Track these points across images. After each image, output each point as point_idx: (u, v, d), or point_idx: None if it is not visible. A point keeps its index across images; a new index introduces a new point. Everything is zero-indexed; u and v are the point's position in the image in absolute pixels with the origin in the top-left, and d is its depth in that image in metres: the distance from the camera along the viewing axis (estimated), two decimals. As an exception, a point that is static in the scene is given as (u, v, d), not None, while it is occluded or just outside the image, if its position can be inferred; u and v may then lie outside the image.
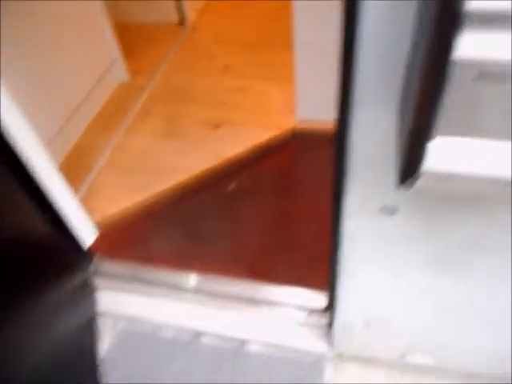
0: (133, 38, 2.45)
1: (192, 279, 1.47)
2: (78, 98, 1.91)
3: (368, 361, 1.27)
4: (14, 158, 1.17)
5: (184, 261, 1.52)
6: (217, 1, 2.80)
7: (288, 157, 1.85)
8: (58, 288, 1.29)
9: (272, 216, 1.63)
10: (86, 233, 1.53)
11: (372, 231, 0.77)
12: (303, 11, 1.56)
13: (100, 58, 2.05)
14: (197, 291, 1.45)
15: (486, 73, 0.43)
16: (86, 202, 1.61)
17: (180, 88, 2.16)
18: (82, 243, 1.49)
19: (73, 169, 1.77)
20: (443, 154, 0.51)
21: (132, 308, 1.46)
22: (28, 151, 1.21)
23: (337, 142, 0.69)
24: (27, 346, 1.05)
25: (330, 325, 1.30)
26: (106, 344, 1.40)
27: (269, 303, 1.40)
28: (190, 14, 2.59)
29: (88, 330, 1.41)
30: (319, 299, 1.36)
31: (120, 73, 2.19)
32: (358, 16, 0.52)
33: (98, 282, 1.52)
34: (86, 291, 1.48)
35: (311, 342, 1.32)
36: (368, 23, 0.52)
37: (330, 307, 1.29)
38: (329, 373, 1.27)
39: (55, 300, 1.27)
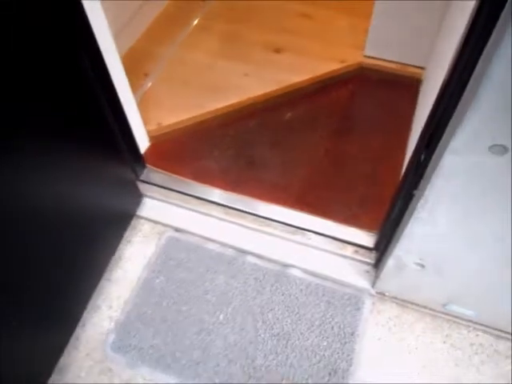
0: None
1: (240, 202, 1.48)
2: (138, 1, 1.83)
3: (408, 303, 1.29)
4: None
5: (232, 183, 1.52)
6: None
7: (350, 92, 1.78)
8: (101, 170, 1.31)
9: (327, 151, 1.60)
10: (139, 139, 1.52)
11: (473, 169, 0.74)
12: None
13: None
14: (244, 213, 1.46)
15: None
16: (140, 110, 1.59)
17: (242, 6, 2.05)
18: (137, 146, 1.48)
19: (128, 74, 1.73)
20: None
21: (178, 220, 1.48)
22: (101, 40, 1.17)
23: (463, 72, 0.63)
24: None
25: (377, 264, 1.31)
26: (150, 250, 1.43)
27: (315, 234, 1.40)
28: None
29: (122, 226, 1.45)
30: (367, 238, 1.36)
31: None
32: None
33: (146, 189, 1.53)
34: (133, 191, 1.50)
35: (354, 276, 1.34)
36: None
37: (380, 247, 1.29)
38: (367, 308, 1.30)
39: (100, 178, 1.29)
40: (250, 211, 1.45)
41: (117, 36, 1.67)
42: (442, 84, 0.73)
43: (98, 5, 1.17)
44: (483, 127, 0.67)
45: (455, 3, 1.35)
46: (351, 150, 1.61)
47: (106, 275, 1.37)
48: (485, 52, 0.63)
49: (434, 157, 0.80)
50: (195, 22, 1.98)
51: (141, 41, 1.89)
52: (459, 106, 0.67)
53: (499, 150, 0.70)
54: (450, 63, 0.71)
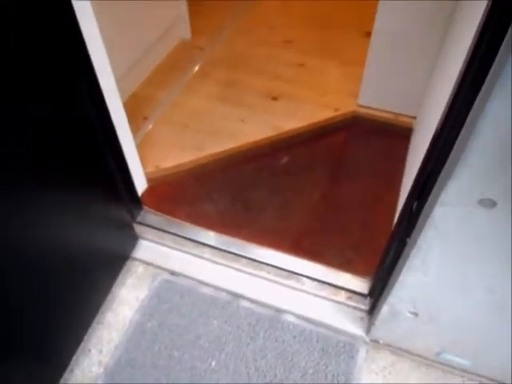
0: (199, -2, 2.43)
1: (235, 245, 1.48)
2: (143, 48, 1.91)
3: (403, 351, 1.28)
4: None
5: (228, 226, 1.53)
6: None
7: (345, 139, 1.84)
8: (98, 211, 1.32)
9: (321, 196, 1.63)
10: (137, 181, 1.55)
11: (462, 222, 0.76)
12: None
13: (169, 10, 2.03)
14: (239, 257, 1.47)
15: None
16: (139, 152, 1.62)
17: (240, 55, 2.14)
18: (134, 188, 1.50)
19: (128, 117, 1.77)
20: None
21: (173, 262, 1.48)
22: (104, 85, 1.22)
23: (453, 128, 0.67)
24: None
25: (371, 310, 1.31)
26: (143, 293, 1.43)
27: (309, 279, 1.40)
28: (258, -18, 2.55)
29: (115, 269, 1.44)
30: (361, 284, 1.36)
31: (184, 30, 2.18)
32: None
33: (142, 231, 1.54)
34: (129, 232, 1.50)
35: (349, 323, 1.33)
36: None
37: (374, 293, 1.30)
38: (361, 356, 1.29)
39: (95, 218, 1.30)
40: (245, 255, 1.45)
41: (120, 81, 1.73)
42: (432, 138, 0.77)
43: (103, 53, 1.22)
44: (472, 182, 0.70)
45: (445, 56, 1.42)
46: (346, 194, 1.64)
47: (97, 318, 1.36)
48: (472, 111, 0.66)
49: (425, 207, 0.83)
50: (195, 68, 2.05)
51: (142, 86, 1.95)
52: (449, 161, 0.71)
53: (488, 203, 0.72)
54: (440, 120, 0.74)
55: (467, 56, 0.66)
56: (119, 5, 1.66)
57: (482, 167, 0.69)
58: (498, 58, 0.58)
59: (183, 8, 2.11)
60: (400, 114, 1.86)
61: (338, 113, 1.86)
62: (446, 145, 0.69)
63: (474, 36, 0.66)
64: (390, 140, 1.83)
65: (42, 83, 0.96)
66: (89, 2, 1.09)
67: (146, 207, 1.56)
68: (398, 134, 1.83)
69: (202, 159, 1.68)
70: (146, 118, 1.81)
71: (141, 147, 1.67)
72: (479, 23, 0.62)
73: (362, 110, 1.88)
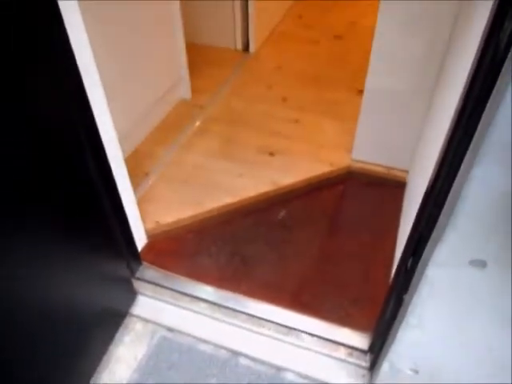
0: (199, 58, 2.55)
1: (233, 300, 1.49)
2: (145, 107, 1.99)
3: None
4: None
5: (227, 281, 1.54)
6: (281, 33, 2.91)
7: (341, 193, 1.88)
8: (97, 266, 1.33)
9: (319, 250, 1.65)
10: (137, 237, 1.57)
11: (455, 282, 0.78)
12: (381, 57, 1.61)
13: (171, 72, 2.14)
14: (238, 313, 1.46)
15: None
16: (139, 208, 1.65)
17: (238, 112, 2.23)
18: (134, 243, 1.53)
19: (129, 173, 1.83)
20: None
21: (171, 319, 1.47)
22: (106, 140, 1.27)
23: (440, 192, 0.71)
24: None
25: (372, 367, 1.30)
26: (141, 351, 1.41)
27: (309, 335, 1.40)
28: (255, 43, 2.69)
29: (113, 326, 1.43)
30: (362, 340, 1.36)
31: (184, 90, 2.28)
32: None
33: (141, 286, 1.54)
34: (127, 288, 1.51)
35: (349, 380, 1.31)
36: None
37: (374, 349, 1.29)
38: (363, 416, 1.26)
39: (93, 275, 1.30)
40: (244, 310, 1.45)
41: (122, 139, 1.80)
42: (422, 201, 0.81)
43: (107, 112, 1.28)
44: (462, 243, 0.73)
45: (434, 112, 1.49)
46: (343, 247, 1.66)
47: (94, 378, 1.33)
48: (459, 176, 0.71)
49: (420, 266, 0.85)
50: (195, 125, 2.13)
51: (144, 143, 2.02)
52: (438, 224, 0.74)
53: (479, 264, 0.75)
54: (428, 184, 0.79)
55: (452, 122, 0.71)
56: (122, 66, 1.75)
57: (472, 229, 0.72)
58: (480, 127, 0.63)
59: (184, 69, 2.22)
60: (393, 168, 1.92)
61: (333, 167, 1.92)
62: (435, 208, 0.72)
63: (458, 102, 0.71)
64: (384, 193, 1.87)
65: (44, 136, 1.01)
66: (94, 63, 1.16)
67: (145, 262, 1.58)
68: (392, 188, 1.88)
69: (201, 214, 1.71)
70: (146, 174, 1.86)
71: (141, 203, 1.71)
72: (463, 89, 0.68)
73: (357, 165, 1.94)
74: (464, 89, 0.66)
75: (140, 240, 1.61)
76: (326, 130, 2.13)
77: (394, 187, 1.87)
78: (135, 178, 1.82)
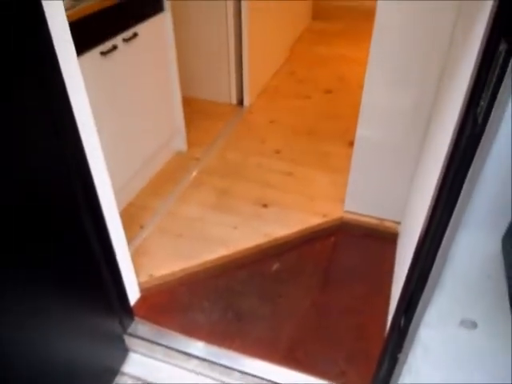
0: (195, 112, 2.64)
1: (226, 357, 1.46)
2: (141, 160, 2.03)
3: None
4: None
5: (220, 337, 1.52)
6: (274, 88, 3.03)
7: (333, 244, 1.89)
8: (89, 323, 1.30)
9: (312, 304, 1.64)
10: (130, 291, 1.56)
11: (449, 342, 0.79)
12: (370, 110, 1.68)
13: (167, 126, 2.21)
14: (231, 370, 1.43)
15: None
16: (133, 261, 1.65)
17: (233, 164, 2.28)
18: (127, 298, 1.51)
19: (124, 225, 1.84)
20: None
21: (163, 377, 1.44)
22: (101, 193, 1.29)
23: (428, 255, 0.73)
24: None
25: (369, 428, 1.26)
26: (131, 411, 1.37)
27: (304, 394, 1.36)
28: (249, 97, 2.80)
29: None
30: (358, 398, 1.33)
31: (180, 142, 2.34)
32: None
33: (133, 343, 1.52)
34: (119, 345, 1.48)
35: None
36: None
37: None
38: None
39: (84, 331, 1.27)
40: (237, 368, 1.42)
41: (118, 192, 1.82)
42: (411, 263, 0.83)
43: (103, 165, 1.31)
44: (451, 305, 0.75)
45: (423, 165, 1.54)
46: (337, 301, 1.66)
47: None
48: (445, 240, 0.73)
49: (412, 326, 0.86)
50: (190, 178, 2.17)
51: (139, 195, 2.05)
52: (427, 285, 0.75)
53: (469, 325, 0.76)
54: (415, 247, 0.81)
55: (435, 190, 0.75)
56: (120, 120, 1.80)
57: (460, 291, 0.74)
58: (461, 196, 0.66)
59: (180, 122, 2.29)
60: (385, 220, 1.95)
61: (326, 219, 1.95)
62: (424, 270, 0.74)
63: (441, 170, 0.75)
64: (377, 245, 1.89)
65: (39, 188, 1.03)
66: (92, 117, 1.20)
67: (137, 318, 1.56)
68: (384, 239, 1.90)
69: (194, 267, 1.72)
70: (141, 227, 1.87)
71: (135, 256, 1.71)
72: (444, 159, 0.72)
73: (349, 216, 1.97)
74: (445, 159, 0.70)
75: (133, 294, 1.59)
76: (318, 181, 2.17)
77: (386, 238, 1.90)
78: (130, 230, 1.83)
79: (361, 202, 1.96)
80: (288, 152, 2.39)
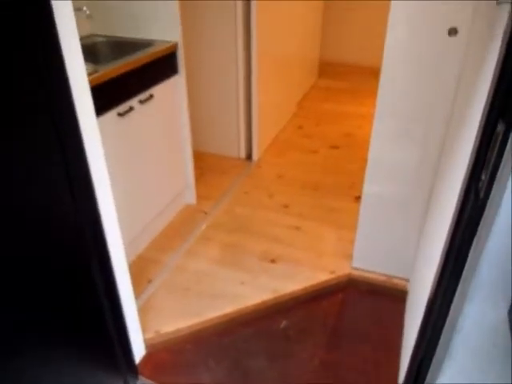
0: (204, 166, 2.71)
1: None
2: (151, 214, 2.07)
3: None
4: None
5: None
6: (282, 142, 3.11)
7: (341, 301, 1.88)
8: (93, 381, 1.28)
9: (321, 363, 1.61)
10: (136, 348, 1.54)
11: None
12: (377, 166, 1.72)
13: (177, 181, 2.26)
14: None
15: None
16: (140, 316, 1.65)
17: (241, 219, 2.31)
18: (132, 356, 1.50)
19: (132, 280, 1.84)
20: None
21: None
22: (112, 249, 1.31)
23: (436, 325, 0.73)
24: None
25: None
26: None
27: None
28: (257, 151, 2.87)
29: None
30: None
31: (190, 196, 2.39)
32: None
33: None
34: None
35: None
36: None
37: None
38: None
39: None
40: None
41: (127, 245, 1.85)
42: (419, 333, 0.83)
43: (115, 220, 1.34)
44: (461, 375, 0.74)
45: (430, 223, 1.55)
46: (345, 361, 1.62)
47: None
48: (452, 309, 0.74)
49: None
50: (199, 232, 2.20)
51: (148, 248, 2.07)
52: (436, 357, 0.75)
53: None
54: (422, 319, 0.81)
55: (440, 262, 0.76)
56: (132, 174, 1.86)
57: (469, 361, 0.73)
58: (466, 269, 0.68)
59: (190, 176, 2.35)
60: (394, 277, 1.94)
61: (334, 275, 1.94)
62: (432, 340, 0.74)
63: (444, 244, 0.77)
64: (385, 302, 1.87)
65: (52, 239, 1.05)
66: (106, 174, 1.24)
67: (142, 377, 1.53)
68: (393, 296, 1.88)
69: (201, 324, 1.70)
70: (149, 281, 1.88)
71: (142, 311, 1.71)
72: (446, 236, 0.74)
73: (357, 273, 1.97)
74: (449, 229, 0.72)
75: (138, 351, 1.58)
76: (325, 237, 2.19)
77: (395, 296, 1.88)
78: (138, 284, 1.84)
79: (368, 259, 1.96)
80: (295, 206, 2.42)
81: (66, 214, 1.10)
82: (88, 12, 1.79)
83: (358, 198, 2.40)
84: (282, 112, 3.36)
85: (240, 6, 2.41)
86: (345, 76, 4.40)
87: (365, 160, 1.75)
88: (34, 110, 0.95)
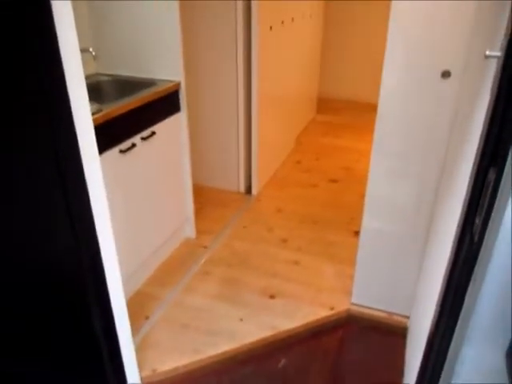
0: (203, 200, 2.74)
1: None
2: (151, 249, 2.08)
3: None
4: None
5: None
6: (281, 176, 3.15)
7: (341, 339, 1.86)
8: None
9: (321, 404, 1.58)
10: (133, 387, 1.52)
11: None
12: (375, 201, 1.74)
13: (177, 215, 2.28)
14: None
15: None
16: (137, 354, 1.63)
17: (240, 253, 2.31)
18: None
19: (130, 316, 1.83)
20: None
21: None
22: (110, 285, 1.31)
23: (434, 368, 0.74)
24: None
25: None
26: None
27: None
28: (257, 186, 2.90)
29: None
30: None
31: (189, 230, 2.40)
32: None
33: None
34: None
35: None
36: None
37: None
38: None
39: None
40: None
41: (126, 280, 1.84)
42: (417, 376, 0.83)
43: (114, 255, 1.34)
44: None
45: (429, 259, 1.56)
46: (346, 403, 1.59)
47: None
48: (450, 352, 0.74)
49: None
50: (198, 266, 2.20)
51: (147, 284, 2.06)
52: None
53: None
54: (422, 361, 0.81)
55: (436, 307, 0.77)
56: (132, 210, 1.87)
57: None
58: (463, 313, 0.68)
59: (190, 211, 2.37)
60: (393, 313, 1.92)
61: (333, 311, 1.93)
62: (431, 382, 0.74)
63: (441, 287, 0.77)
64: (385, 339, 1.85)
65: (51, 276, 1.05)
66: (107, 209, 1.25)
67: (138, 417, 1.50)
68: (393, 333, 1.86)
69: (198, 362, 1.68)
70: (147, 318, 1.86)
71: (139, 348, 1.69)
72: (443, 278, 0.75)
73: (356, 309, 1.95)
74: (445, 272, 0.73)
75: (135, 391, 1.55)
76: (324, 272, 2.18)
77: (395, 333, 1.86)
78: (135, 321, 1.82)
79: (368, 295, 1.95)
80: (294, 241, 2.42)
81: (65, 249, 1.11)
82: (94, 53, 1.85)
83: (356, 233, 2.40)
84: (281, 147, 3.41)
85: (241, 46, 2.50)
86: (342, 111, 4.49)
87: (363, 195, 1.77)
88: (38, 149, 0.98)
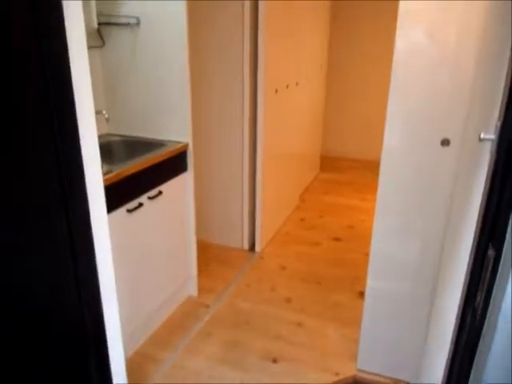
0: (207, 257, 2.74)
1: None
2: (153, 307, 2.05)
3: None
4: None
5: None
6: (285, 234, 3.16)
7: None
8: None
9: None
10: None
11: None
12: (379, 260, 1.73)
13: (180, 273, 2.27)
14: None
15: None
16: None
17: (242, 313, 2.28)
18: None
19: (128, 379, 1.78)
20: None
21: None
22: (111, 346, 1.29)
23: None
24: None
25: None
26: None
27: None
28: (260, 243, 2.91)
29: None
30: None
31: (191, 288, 2.38)
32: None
33: None
34: None
35: None
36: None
37: None
38: None
39: None
40: None
41: (126, 339, 1.81)
42: None
43: (116, 315, 1.32)
44: None
45: (435, 325, 1.53)
46: None
47: None
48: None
49: None
50: (199, 327, 2.16)
51: (146, 345, 2.02)
52: None
53: None
54: None
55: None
56: (135, 268, 1.87)
57: None
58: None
59: (193, 268, 2.36)
60: (400, 380, 1.86)
61: (339, 377, 1.87)
62: None
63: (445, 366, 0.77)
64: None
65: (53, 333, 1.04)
66: (112, 268, 1.26)
67: None
68: None
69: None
70: (146, 382, 1.81)
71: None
72: (448, 353, 0.74)
73: (362, 375, 1.89)
74: (450, 349, 0.73)
75: None
76: (328, 334, 2.14)
77: None
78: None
79: (374, 361, 1.90)
80: (298, 301, 2.39)
81: (68, 306, 1.11)
82: (107, 116, 1.94)
83: (361, 294, 2.38)
84: (284, 204, 3.45)
85: (247, 107, 2.61)
86: (345, 169, 4.58)
87: (367, 253, 1.77)
88: (51, 207, 1.00)
